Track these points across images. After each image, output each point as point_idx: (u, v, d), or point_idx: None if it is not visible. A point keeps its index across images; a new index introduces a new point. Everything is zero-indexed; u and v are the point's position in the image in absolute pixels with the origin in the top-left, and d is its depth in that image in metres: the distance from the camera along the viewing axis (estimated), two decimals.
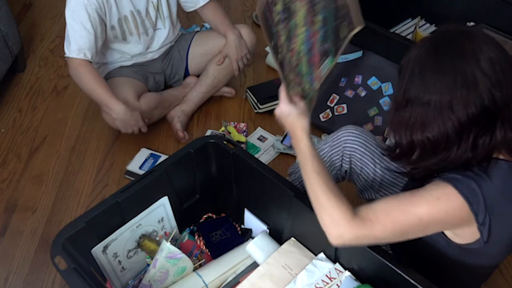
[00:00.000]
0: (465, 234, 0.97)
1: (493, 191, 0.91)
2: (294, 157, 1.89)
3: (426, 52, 0.91)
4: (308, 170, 1.02)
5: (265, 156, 1.91)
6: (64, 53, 1.77)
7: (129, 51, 1.95)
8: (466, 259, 1.03)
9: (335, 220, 0.96)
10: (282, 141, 1.93)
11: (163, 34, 1.99)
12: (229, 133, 1.98)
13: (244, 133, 2.01)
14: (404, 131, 0.95)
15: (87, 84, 1.76)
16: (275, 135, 2.00)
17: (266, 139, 1.99)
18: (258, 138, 2.00)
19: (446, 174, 0.95)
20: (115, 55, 1.95)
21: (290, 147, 1.90)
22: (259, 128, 2.04)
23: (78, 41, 1.72)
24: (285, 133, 1.95)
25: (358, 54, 1.98)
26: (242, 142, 1.95)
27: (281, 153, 1.92)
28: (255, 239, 1.33)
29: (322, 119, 1.98)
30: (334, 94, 2.00)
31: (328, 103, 2.00)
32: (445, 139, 0.90)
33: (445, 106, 0.88)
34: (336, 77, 2.01)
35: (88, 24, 1.71)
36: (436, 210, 0.91)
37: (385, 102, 1.90)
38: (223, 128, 2.01)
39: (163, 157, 1.88)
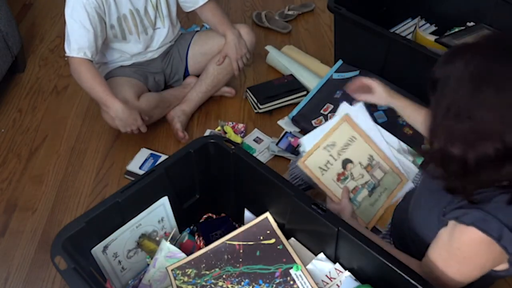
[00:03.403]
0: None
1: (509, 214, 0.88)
2: (288, 160, 1.88)
3: (487, 63, 0.83)
4: None
5: (260, 157, 1.89)
6: (65, 53, 1.77)
7: (129, 50, 1.95)
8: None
9: None
10: (277, 144, 1.92)
11: (162, 34, 1.99)
12: (225, 133, 1.97)
13: (242, 134, 2.00)
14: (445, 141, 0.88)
15: (86, 83, 1.77)
16: (271, 137, 1.99)
17: (262, 140, 1.98)
18: (254, 140, 1.99)
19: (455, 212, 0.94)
20: (115, 54, 1.95)
21: (285, 149, 1.90)
22: (255, 129, 2.03)
23: (78, 40, 1.73)
24: (281, 136, 1.94)
25: (355, 73, 2.03)
26: (238, 143, 1.95)
27: (276, 155, 1.91)
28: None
29: (314, 124, 1.98)
30: (328, 104, 2.01)
31: (322, 111, 2.01)
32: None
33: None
34: (331, 90, 2.02)
35: (87, 23, 1.71)
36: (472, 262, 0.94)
37: (379, 115, 1.90)
38: (219, 128, 2.00)
39: (163, 157, 1.88)
